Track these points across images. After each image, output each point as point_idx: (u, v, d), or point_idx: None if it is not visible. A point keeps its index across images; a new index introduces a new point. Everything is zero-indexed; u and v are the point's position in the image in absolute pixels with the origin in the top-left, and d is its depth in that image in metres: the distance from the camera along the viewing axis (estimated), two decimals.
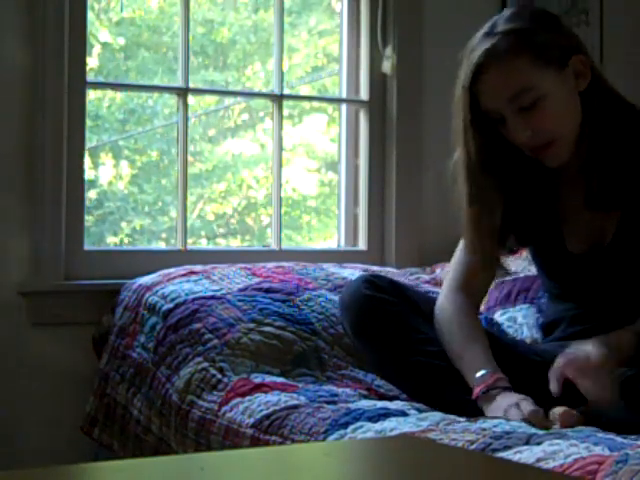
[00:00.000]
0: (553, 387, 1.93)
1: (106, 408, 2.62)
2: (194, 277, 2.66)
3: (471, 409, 2.00)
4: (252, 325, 2.45)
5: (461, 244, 2.24)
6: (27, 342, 2.77)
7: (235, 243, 3.81)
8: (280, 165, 3.16)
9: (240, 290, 2.58)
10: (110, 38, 3.52)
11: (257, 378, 2.29)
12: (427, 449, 1.45)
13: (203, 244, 3.73)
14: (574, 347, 1.97)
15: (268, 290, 2.59)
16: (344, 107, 3.34)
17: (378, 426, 1.89)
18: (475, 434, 1.73)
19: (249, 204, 3.83)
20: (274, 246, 3.15)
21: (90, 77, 3.02)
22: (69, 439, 2.75)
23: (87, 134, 2.91)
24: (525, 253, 2.57)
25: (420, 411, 2.02)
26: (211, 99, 3.65)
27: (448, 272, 2.29)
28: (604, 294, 2.14)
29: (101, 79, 3.29)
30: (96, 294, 2.82)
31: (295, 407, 2.07)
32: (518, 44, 2.03)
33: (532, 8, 2.22)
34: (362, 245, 3.27)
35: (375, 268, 2.97)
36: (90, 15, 2.99)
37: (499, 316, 2.82)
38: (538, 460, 1.58)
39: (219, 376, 2.31)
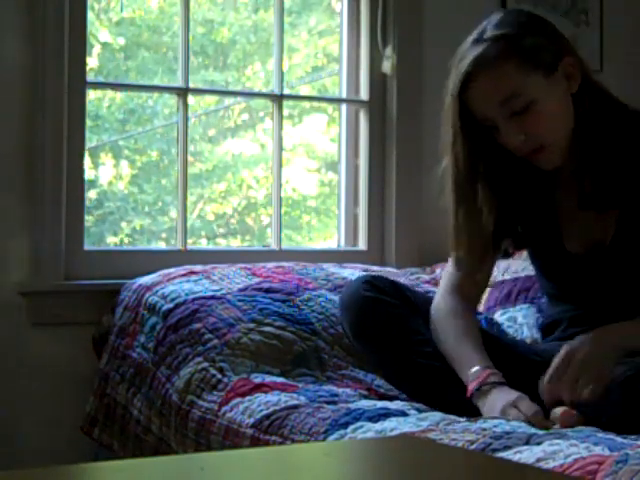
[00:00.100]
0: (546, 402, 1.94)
1: (106, 408, 2.62)
2: (194, 277, 2.66)
3: (470, 410, 2.00)
4: (252, 325, 2.45)
5: None
6: (27, 342, 2.77)
7: (235, 243, 3.81)
8: (280, 165, 3.16)
9: (240, 290, 2.58)
10: (110, 38, 3.52)
11: (257, 378, 2.29)
12: (427, 449, 1.45)
13: (203, 244, 3.73)
14: (564, 347, 1.97)
15: (268, 290, 2.59)
16: (344, 107, 3.34)
17: (378, 426, 1.89)
18: (475, 434, 1.73)
19: (249, 204, 3.83)
20: (274, 246, 3.15)
21: (90, 77, 3.02)
22: (69, 439, 2.75)
23: (87, 134, 2.91)
24: (525, 253, 2.57)
25: (420, 411, 2.02)
26: (211, 99, 3.65)
27: (445, 273, 2.29)
28: (604, 295, 2.14)
29: (101, 79, 3.29)
30: (96, 294, 2.82)
31: (295, 407, 2.08)
32: (506, 50, 2.03)
33: (520, 12, 2.20)
34: (362, 245, 3.27)
35: (375, 268, 2.97)
36: (90, 15, 2.99)
37: (499, 316, 2.82)
38: (538, 460, 1.58)
39: (219, 376, 2.31)
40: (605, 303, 2.13)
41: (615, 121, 2.11)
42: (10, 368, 2.75)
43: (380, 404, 2.06)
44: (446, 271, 2.28)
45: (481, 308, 2.84)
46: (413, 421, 1.90)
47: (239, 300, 2.53)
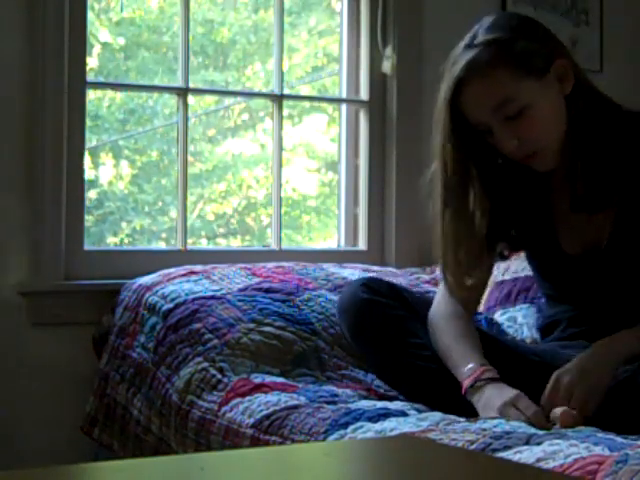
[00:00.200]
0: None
1: (106, 408, 2.62)
2: (194, 277, 2.66)
3: (468, 411, 2.00)
4: (252, 325, 2.45)
5: None
6: (27, 342, 2.77)
7: (235, 243, 3.81)
8: (280, 165, 3.16)
9: (240, 290, 2.58)
10: (110, 38, 3.52)
11: (257, 378, 2.29)
12: (427, 449, 1.45)
13: (203, 244, 3.73)
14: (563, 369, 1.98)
15: (268, 290, 2.59)
16: (344, 107, 3.34)
17: (378, 426, 1.89)
18: (475, 434, 1.73)
19: (249, 204, 3.83)
20: (274, 246, 3.15)
21: (90, 77, 3.02)
22: (69, 439, 2.75)
23: (87, 134, 2.91)
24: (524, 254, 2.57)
25: (420, 411, 2.02)
26: (211, 99, 3.65)
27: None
28: (601, 295, 2.14)
29: (101, 79, 3.29)
30: (96, 294, 2.82)
31: (295, 407, 2.08)
32: (499, 55, 2.02)
33: (512, 15, 2.19)
34: (362, 245, 3.27)
35: (375, 268, 2.97)
36: (90, 15, 2.99)
37: (499, 316, 2.82)
38: (538, 460, 1.58)
39: (219, 376, 2.31)
40: (603, 303, 2.13)
41: (609, 122, 2.11)
42: (10, 368, 2.74)
43: (380, 404, 2.06)
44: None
45: (481, 308, 2.84)
46: (413, 421, 1.90)
47: (239, 300, 2.53)
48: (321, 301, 2.59)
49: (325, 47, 3.72)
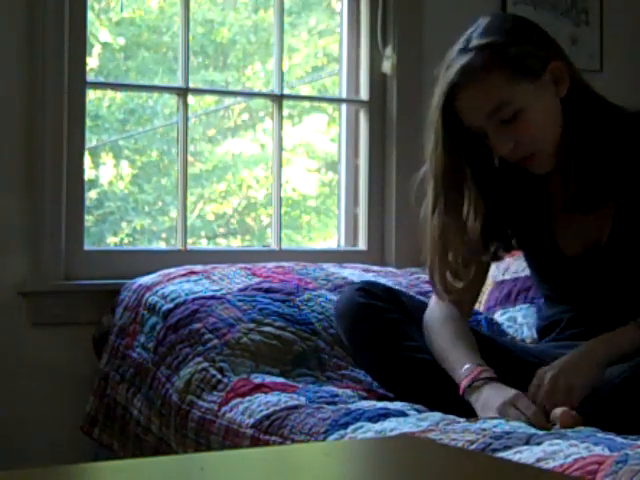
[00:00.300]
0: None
1: (106, 408, 2.62)
2: (194, 277, 2.66)
3: (466, 413, 1.99)
4: (252, 325, 2.45)
5: None
6: (27, 342, 2.77)
7: (235, 243, 3.81)
8: (280, 165, 3.17)
9: (240, 290, 2.58)
10: (110, 38, 3.51)
11: (257, 378, 2.29)
12: (427, 449, 1.45)
13: (203, 244, 3.73)
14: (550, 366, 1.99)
15: (268, 290, 2.59)
16: (344, 107, 3.34)
17: (378, 426, 1.89)
18: (475, 434, 1.73)
19: (249, 204, 3.83)
20: (274, 246, 3.15)
21: (90, 77, 3.02)
22: (69, 439, 2.75)
23: (87, 134, 2.91)
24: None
25: (420, 411, 2.02)
26: (211, 99, 3.64)
27: None
28: (600, 295, 2.14)
29: (101, 79, 3.29)
30: (96, 294, 2.82)
31: (295, 407, 2.08)
32: (493, 59, 2.02)
33: (506, 17, 2.18)
34: (362, 245, 3.27)
35: (375, 268, 2.97)
36: (90, 15, 2.99)
37: (499, 316, 2.82)
38: (538, 460, 1.58)
39: (219, 376, 2.31)
40: (602, 304, 2.13)
41: (605, 123, 2.10)
42: (10, 368, 2.75)
43: (380, 404, 2.06)
44: None
45: (481, 308, 2.84)
46: (413, 421, 1.90)
47: (239, 300, 2.53)
48: (321, 301, 2.59)
49: (325, 47, 3.72)
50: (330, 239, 3.67)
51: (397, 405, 2.05)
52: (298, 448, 1.65)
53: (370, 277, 2.79)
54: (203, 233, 3.79)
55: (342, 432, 1.91)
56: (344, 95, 3.33)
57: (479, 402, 1.98)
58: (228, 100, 3.74)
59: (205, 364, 2.36)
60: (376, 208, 3.26)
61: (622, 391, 1.90)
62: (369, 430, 1.88)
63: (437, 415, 1.97)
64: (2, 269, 2.74)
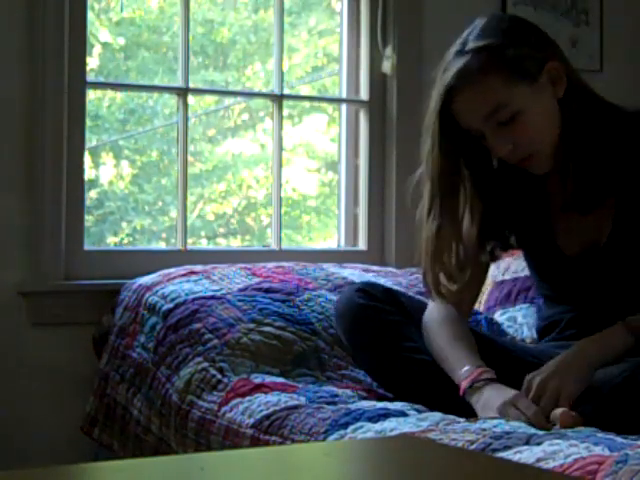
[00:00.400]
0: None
1: (106, 408, 2.62)
2: (194, 277, 2.66)
3: (465, 415, 1.99)
4: (252, 325, 2.45)
5: None
6: (27, 342, 2.77)
7: (235, 243, 3.81)
8: (280, 165, 3.17)
9: (240, 290, 2.58)
10: (110, 38, 3.51)
11: (257, 378, 2.29)
12: (427, 449, 1.45)
13: (203, 244, 3.73)
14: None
15: (268, 290, 2.59)
16: (344, 107, 3.34)
17: (378, 426, 1.89)
18: (475, 434, 1.73)
19: (249, 204, 3.83)
20: (274, 246, 3.15)
21: (90, 77, 3.02)
22: (69, 439, 2.75)
23: (87, 134, 2.91)
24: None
25: (420, 411, 2.02)
26: (211, 99, 3.64)
27: None
28: (600, 295, 2.14)
29: (101, 79, 3.29)
30: (96, 294, 2.82)
31: (295, 407, 2.08)
32: (489, 62, 2.01)
33: (502, 18, 2.16)
34: (362, 245, 3.28)
35: (375, 268, 2.97)
36: (90, 15, 2.99)
37: (499, 316, 2.82)
38: (538, 460, 1.58)
39: (219, 376, 2.31)
40: (601, 304, 2.13)
41: (603, 122, 2.10)
42: (10, 368, 2.75)
43: (380, 404, 2.06)
44: None
45: (481, 308, 2.84)
46: (413, 421, 1.90)
47: (239, 300, 2.53)
48: (321, 301, 2.59)
49: (325, 47, 3.72)
50: (330, 239, 3.67)
51: (397, 405, 2.05)
52: (298, 448, 1.65)
53: (370, 277, 2.79)
54: (203, 233, 3.79)
55: (342, 432, 1.91)
56: (344, 95, 3.33)
57: (479, 403, 1.99)
58: (228, 100, 3.74)
59: (205, 364, 2.36)
60: (376, 208, 3.26)
61: (622, 391, 1.90)
62: (369, 430, 1.88)
63: (437, 415, 1.97)
64: (2, 269, 2.74)
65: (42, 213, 2.75)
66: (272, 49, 3.21)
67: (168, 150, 3.55)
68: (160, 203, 3.66)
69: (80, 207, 2.85)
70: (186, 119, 3.02)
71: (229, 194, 3.82)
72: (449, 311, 2.17)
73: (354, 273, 2.80)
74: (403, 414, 1.97)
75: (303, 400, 2.13)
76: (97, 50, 3.46)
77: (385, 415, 1.95)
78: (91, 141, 3.39)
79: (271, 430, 2.04)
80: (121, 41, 3.57)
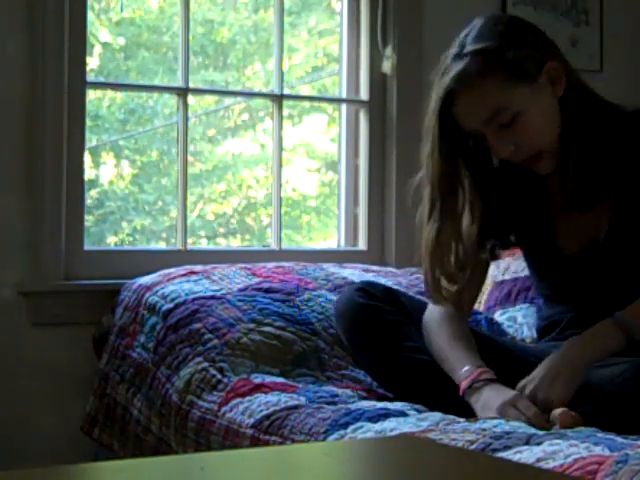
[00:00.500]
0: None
1: (106, 408, 2.62)
2: (194, 277, 2.66)
3: (465, 415, 1.99)
4: (252, 325, 2.45)
5: None
6: (27, 342, 2.77)
7: (235, 243, 3.81)
8: (280, 165, 3.17)
9: (240, 290, 2.58)
10: (110, 38, 3.51)
11: (257, 378, 2.29)
12: (427, 449, 1.45)
13: (203, 244, 3.73)
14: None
15: (268, 290, 2.59)
16: (344, 107, 3.34)
17: (378, 426, 1.89)
18: (475, 434, 1.73)
19: (249, 204, 3.83)
20: (274, 246, 3.15)
21: (90, 77, 3.02)
22: (69, 439, 2.75)
23: (87, 134, 2.91)
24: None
25: (420, 411, 2.02)
26: (211, 99, 3.64)
27: None
28: (599, 295, 2.14)
29: (101, 79, 3.29)
30: (96, 294, 2.82)
31: (295, 407, 2.08)
32: (488, 65, 2.01)
33: (499, 19, 2.15)
34: (362, 245, 3.27)
35: (375, 268, 2.97)
36: (90, 15, 2.99)
37: (499, 316, 2.82)
38: (538, 460, 1.58)
39: (219, 376, 2.31)
40: (601, 303, 2.13)
41: (603, 121, 2.10)
42: (10, 368, 2.75)
43: (380, 404, 2.06)
44: None
45: (481, 308, 2.84)
46: (413, 421, 1.90)
47: (239, 300, 2.53)
48: (321, 301, 2.59)
49: (325, 47, 3.72)
50: (330, 239, 3.67)
51: (397, 405, 2.05)
52: (298, 448, 1.65)
53: (370, 277, 2.79)
54: (203, 233, 3.79)
55: (342, 432, 1.91)
56: (344, 95, 3.33)
57: (479, 403, 1.99)
58: (228, 100, 3.74)
59: (205, 364, 2.36)
60: (376, 208, 3.26)
61: (622, 391, 1.90)
62: (369, 430, 1.88)
63: (437, 415, 1.97)
64: (2, 269, 2.74)
65: (42, 213, 2.75)
66: (272, 49, 3.21)
67: (168, 150, 3.55)
68: (160, 203, 3.66)
69: (80, 207, 2.85)
70: (186, 119, 3.02)
71: (229, 194, 3.82)
72: (449, 311, 2.17)
73: (354, 273, 2.80)
74: (403, 414, 1.97)
75: (303, 400, 2.13)
76: (97, 50, 3.46)
77: (385, 415, 1.95)
78: (91, 141, 3.39)
79: (271, 430, 2.04)
80: (121, 41, 3.57)
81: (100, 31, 3.47)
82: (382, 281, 2.66)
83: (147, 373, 2.49)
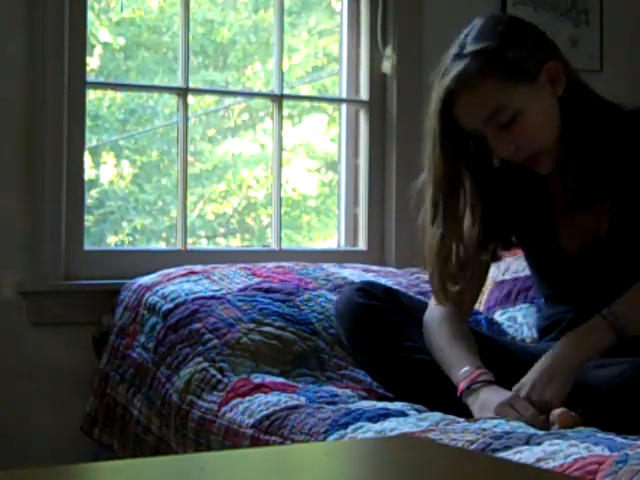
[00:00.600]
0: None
1: (106, 408, 2.62)
2: (194, 277, 2.66)
3: (464, 415, 2.00)
4: (252, 325, 2.45)
5: None
6: (27, 342, 2.77)
7: (235, 243, 3.81)
8: (280, 165, 3.17)
9: (240, 290, 2.58)
10: (110, 38, 3.51)
11: (257, 378, 2.29)
12: (427, 449, 1.45)
13: (203, 244, 3.73)
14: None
15: (268, 290, 2.59)
16: (344, 107, 3.34)
17: (378, 426, 1.89)
18: (475, 434, 1.73)
19: (249, 204, 3.83)
20: (274, 246, 3.15)
21: (91, 77, 3.02)
22: (69, 439, 2.75)
23: (87, 134, 2.91)
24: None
25: (420, 411, 2.02)
26: (211, 99, 3.64)
27: None
28: (600, 294, 2.14)
29: (101, 79, 3.29)
30: (96, 294, 2.82)
31: (295, 407, 2.08)
32: (488, 65, 2.01)
33: (499, 19, 2.15)
34: (362, 245, 3.27)
35: (375, 268, 2.97)
36: (90, 15, 2.99)
37: (499, 316, 2.82)
38: (538, 460, 1.58)
39: (219, 376, 2.31)
40: (601, 303, 2.13)
41: (602, 120, 2.10)
42: (10, 368, 2.75)
43: (380, 404, 2.06)
44: None
45: (481, 308, 2.84)
46: (413, 421, 1.90)
47: (239, 300, 2.53)
48: (321, 301, 2.59)
49: (325, 47, 3.72)
50: (330, 239, 3.67)
51: (397, 405, 2.05)
52: (298, 448, 1.65)
53: (370, 277, 2.79)
54: (203, 233, 3.79)
55: (342, 432, 1.91)
56: (344, 95, 3.33)
57: (476, 404, 1.99)
58: (228, 100, 3.74)
59: (205, 364, 2.36)
60: (376, 208, 3.26)
61: (622, 391, 1.90)
62: (369, 430, 1.88)
63: (437, 415, 1.97)
64: (2, 269, 2.74)
65: (42, 213, 2.75)
66: (272, 49, 3.21)
67: (168, 150, 3.55)
68: (160, 203, 3.67)
69: (80, 207, 2.85)
70: (186, 119, 3.02)
71: (229, 194, 3.82)
72: (450, 311, 2.17)
73: (354, 273, 2.80)
74: (403, 414, 1.97)
75: (303, 400, 2.13)
76: (97, 50, 3.46)
77: (385, 415, 1.95)
78: (91, 141, 3.39)
79: (271, 430, 2.04)
80: (121, 41, 3.57)
81: (100, 31, 3.47)
82: (382, 281, 2.66)
83: (147, 373, 2.49)
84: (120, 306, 2.69)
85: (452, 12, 3.26)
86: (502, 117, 2.02)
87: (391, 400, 2.16)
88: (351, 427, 1.91)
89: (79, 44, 2.83)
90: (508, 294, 2.86)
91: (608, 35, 3.60)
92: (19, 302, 2.75)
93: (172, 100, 3.23)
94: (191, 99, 3.16)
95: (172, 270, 2.73)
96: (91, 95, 3.23)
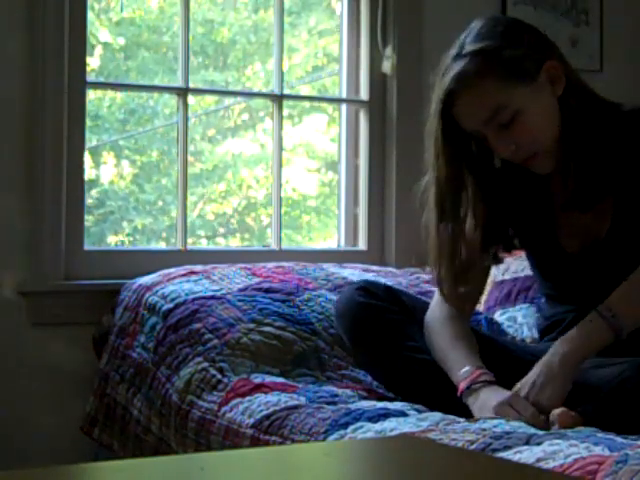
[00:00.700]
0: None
1: (106, 408, 2.62)
2: (194, 277, 2.66)
3: (464, 415, 2.00)
4: (252, 325, 2.45)
5: None
6: (27, 342, 2.77)
7: (235, 243, 3.81)
8: (280, 165, 3.16)
9: (240, 290, 2.58)
10: (110, 38, 3.52)
11: (257, 378, 2.29)
12: (427, 449, 1.45)
13: (203, 244, 3.73)
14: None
15: (268, 290, 2.59)
16: (344, 107, 3.34)
17: (378, 426, 1.89)
18: (475, 434, 1.73)
19: (249, 204, 3.83)
20: (274, 246, 3.15)
21: (91, 77, 3.02)
22: (69, 439, 2.75)
23: (87, 134, 2.91)
24: (524, 254, 2.57)
25: (420, 411, 2.02)
26: (211, 99, 3.64)
27: None
28: (601, 294, 2.13)
29: (101, 79, 3.29)
30: (96, 294, 2.82)
31: (295, 407, 2.08)
32: (487, 65, 2.02)
33: (498, 20, 2.14)
34: (362, 245, 3.27)
35: (375, 268, 2.97)
36: (90, 15, 2.99)
37: (499, 316, 2.82)
38: (538, 460, 1.58)
39: (219, 376, 2.31)
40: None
41: (602, 120, 2.11)
42: (10, 368, 2.74)
43: (380, 404, 2.06)
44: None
45: (481, 308, 2.84)
46: (413, 421, 1.90)
47: (239, 300, 2.53)
48: (321, 301, 2.59)
49: (325, 47, 3.72)
50: (330, 239, 3.67)
51: (397, 405, 2.05)
52: (298, 448, 1.65)
53: (370, 277, 2.79)
54: (203, 233, 3.79)
55: (342, 432, 1.91)
56: (344, 95, 3.33)
57: (476, 404, 1.99)
58: (228, 100, 3.74)
59: (205, 364, 2.36)
60: (376, 208, 3.26)
61: (622, 391, 1.90)
62: (369, 430, 1.88)
63: (437, 415, 1.97)
64: (2, 269, 2.74)
65: (42, 213, 2.75)
66: (272, 49, 3.21)
67: (168, 150, 3.55)
68: (160, 203, 3.67)
69: (80, 207, 2.85)
70: (186, 119, 3.02)
71: (229, 194, 3.82)
72: (451, 311, 2.17)
73: (354, 273, 2.80)
74: (403, 414, 1.97)
75: (303, 400, 2.13)
76: (97, 50, 3.46)
77: (385, 415, 1.95)
78: (91, 141, 3.39)
79: (271, 430, 2.04)
80: (121, 41, 3.57)
81: (100, 31, 3.47)
82: (382, 281, 2.66)
83: (147, 373, 2.49)
84: (120, 306, 2.69)
85: (452, 12, 3.26)
86: (502, 117, 2.03)
87: (391, 400, 2.16)
88: (351, 427, 1.91)
89: (79, 44, 2.83)
90: (508, 294, 2.86)
91: (608, 35, 3.60)
92: (19, 302, 2.75)
93: (172, 100, 3.23)
94: (191, 99, 3.16)
95: (172, 270, 2.73)
96: (91, 95, 3.23)
